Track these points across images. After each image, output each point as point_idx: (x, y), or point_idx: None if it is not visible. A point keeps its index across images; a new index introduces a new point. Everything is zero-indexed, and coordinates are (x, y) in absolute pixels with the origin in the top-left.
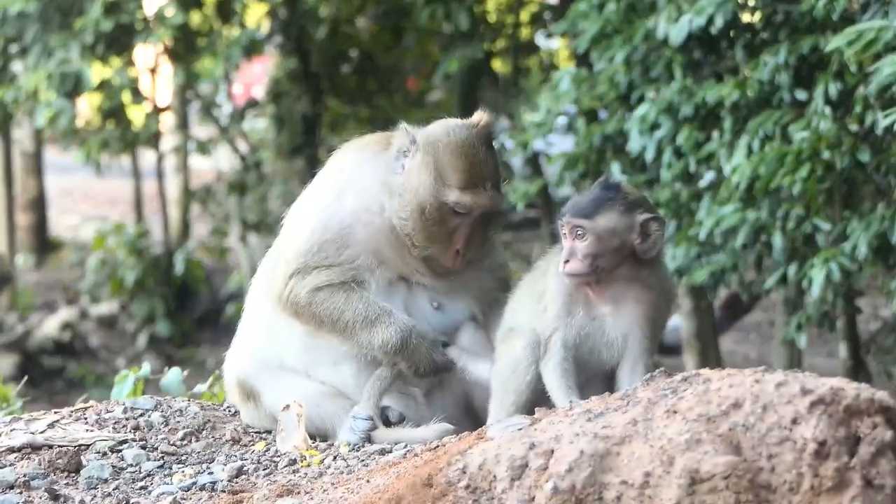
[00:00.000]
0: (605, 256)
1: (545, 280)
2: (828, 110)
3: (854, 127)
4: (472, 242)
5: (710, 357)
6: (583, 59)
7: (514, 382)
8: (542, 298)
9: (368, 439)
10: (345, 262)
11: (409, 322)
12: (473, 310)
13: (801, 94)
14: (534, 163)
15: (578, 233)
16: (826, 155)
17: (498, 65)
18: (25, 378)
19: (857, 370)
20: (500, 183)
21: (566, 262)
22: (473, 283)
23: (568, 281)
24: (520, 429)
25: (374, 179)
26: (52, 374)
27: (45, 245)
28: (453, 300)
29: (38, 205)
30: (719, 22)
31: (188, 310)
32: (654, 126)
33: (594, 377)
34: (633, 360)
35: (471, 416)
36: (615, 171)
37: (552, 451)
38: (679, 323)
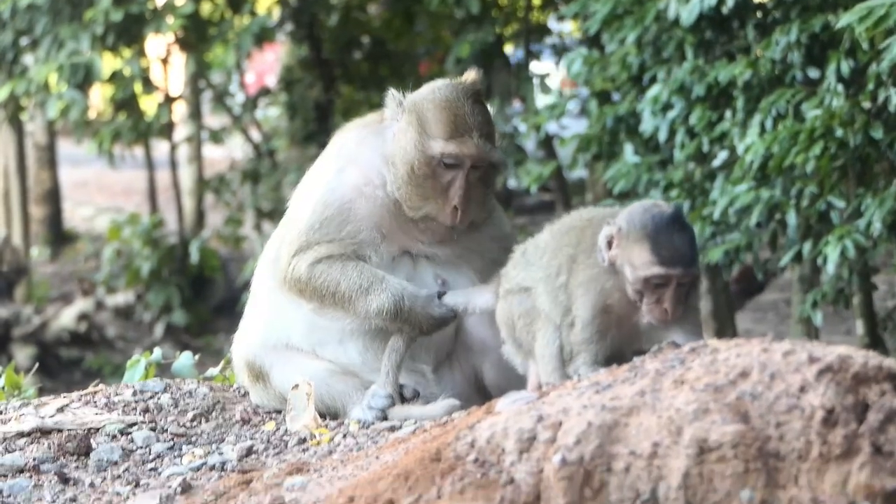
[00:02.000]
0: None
1: (572, 274)
2: (840, 88)
3: (867, 104)
4: (469, 199)
5: (727, 336)
6: (595, 41)
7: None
8: (564, 291)
9: (383, 417)
10: (346, 237)
11: (399, 286)
12: (478, 284)
13: (813, 72)
14: (547, 145)
15: (687, 280)
16: (839, 132)
17: (510, 48)
18: (37, 365)
19: (875, 347)
20: (492, 135)
21: (673, 310)
22: (477, 253)
23: (658, 322)
24: (528, 402)
25: (374, 154)
26: (70, 365)
27: (60, 237)
28: (458, 274)
29: (53, 197)
30: (730, 1)
31: (204, 299)
32: (667, 106)
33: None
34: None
35: (479, 391)
36: (628, 152)
37: (560, 424)
38: None
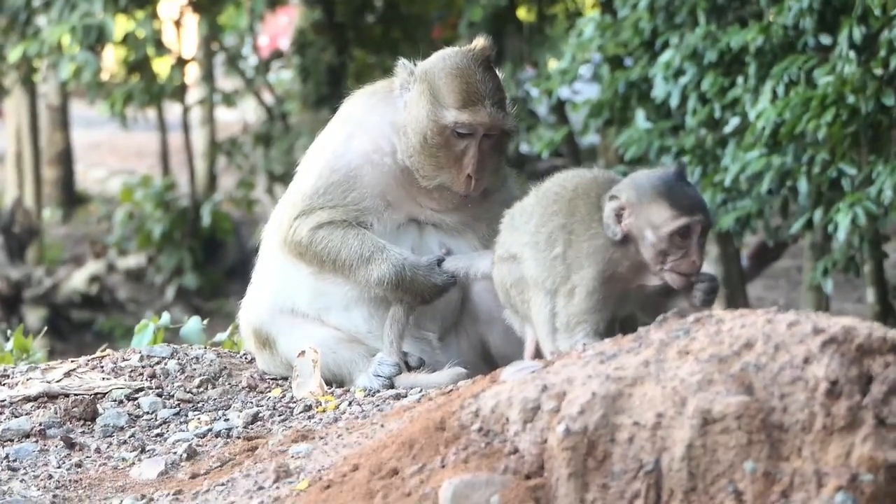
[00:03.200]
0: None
1: (570, 246)
2: (852, 54)
3: (879, 71)
4: (483, 167)
5: (738, 303)
6: (607, 6)
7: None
8: (562, 262)
9: (390, 385)
10: (350, 203)
11: (400, 255)
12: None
13: (825, 39)
14: (559, 111)
15: (703, 232)
16: (851, 99)
17: (523, 13)
18: (45, 329)
19: (886, 315)
20: (504, 102)
21: (695, 262)
22: (485, 221)
23: (683, 283)
24: (532, 371)
25: (383, 121)
26: (81, 327)
27: (72, 199)
28: (462, 242)
29: (65, 158)
30: None
31: (216, 262)
32: (679, 72)
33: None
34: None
35: (486, 360)
36: (640, 118)
37: (564, 394)
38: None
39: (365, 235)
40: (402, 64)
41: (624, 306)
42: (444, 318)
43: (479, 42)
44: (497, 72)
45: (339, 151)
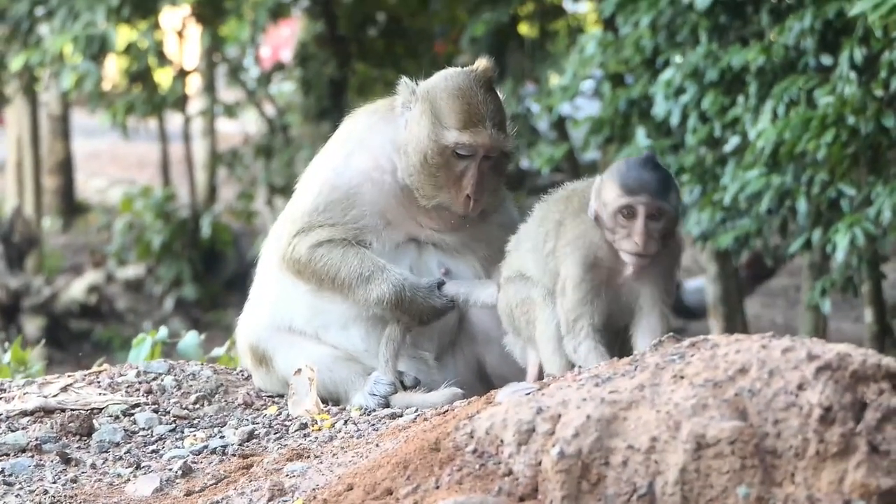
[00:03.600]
0: (670, 234)
1: (559, 237)
2: (853, 75)
3: (879, 92)
4: (482, 187)
5: (736, 321)
6: (609, 24)
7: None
8: (553, 256)
9: (385, 404)
10: (349, 221)
11: (401, 276)
12: (482, 273)
13: (826, 59)
14: (560, 127)
15: (657, 214)
16: (851, 120)
17: (525, 28)
18: (43, 341)
19: (883, 335)
20: (504, 124)
21: (644, 242)
22: (484, 242)
23: (634, 261)
24: (528, 393)
25: (384, 140)
26: (79, 337)
27: (72, 208)
28: (462, 263)
29: (66, 168)
30: None
31: (215, 273)
32: (680, 90)
33: (607, 333)
34: (650, 310)
35: (482, 380)
36: (640, 135)
37: (559, 416)
38: (703, 286)
39: (365, 254)
40: (405, 83)
41: (616, 304)
42: (440, 337)
43: (482, 63)
44: (498, 92)
45: (339, 169)
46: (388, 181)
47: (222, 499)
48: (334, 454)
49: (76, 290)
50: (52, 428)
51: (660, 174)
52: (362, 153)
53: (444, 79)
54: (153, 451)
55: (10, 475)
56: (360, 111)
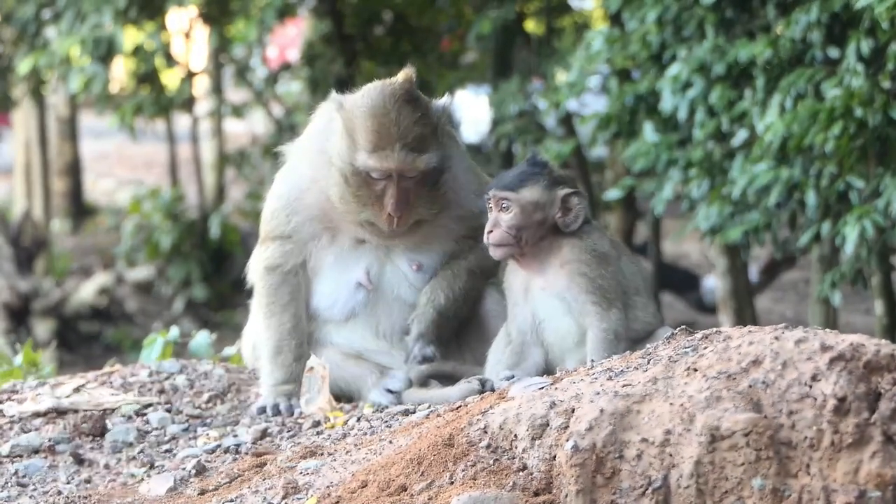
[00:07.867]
0: (528, 228)
1: None
2: (860, 67)
3: (886, 84)
4: (405, 205)
5: (746, 316)
6: (616, 19)
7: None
8: None
9: (399, 401)
10: (293, 232)
11: (288, 390)
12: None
13: (833, 52)
14: (567, 123)
15: (504, 205)
16: (859, 112)
17: (531, 25)
18: (55, 343)
19: (894, 327)
20: (421, 142)
21: (490, 232)
22: (444, 237)
23: (497, 254)
24: (541, 388)
25: (322, 149)
26: (89, 339)
27: (80, 210)
28: (431, 254)
29: (74, 170)
30: None
31: (224, 273)
32: (687, 85)
33: (567, 351)
34: (584, 319)
35: None
36: (648, 130)
37: (573, 410)
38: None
39: (296, 327)
40: (333, 97)
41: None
42: (447, 341)
43: (401, 75)
44: (421, 103)
45: (285, 177)
46: (325, 191)
47: (236, 497)
48: (348, 451)
49: (86, 292)
50: (66, 429)
51: (524, 169)
52: (303, 162)
53: (363, 95)
54: (166, 451)
55: (24, 476)
56: (315, 117)
